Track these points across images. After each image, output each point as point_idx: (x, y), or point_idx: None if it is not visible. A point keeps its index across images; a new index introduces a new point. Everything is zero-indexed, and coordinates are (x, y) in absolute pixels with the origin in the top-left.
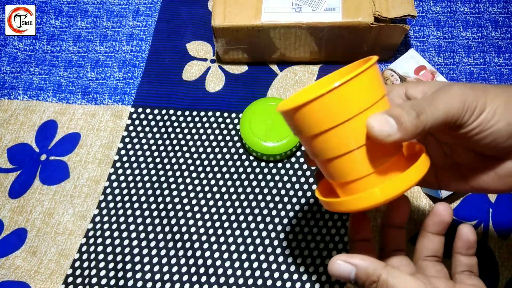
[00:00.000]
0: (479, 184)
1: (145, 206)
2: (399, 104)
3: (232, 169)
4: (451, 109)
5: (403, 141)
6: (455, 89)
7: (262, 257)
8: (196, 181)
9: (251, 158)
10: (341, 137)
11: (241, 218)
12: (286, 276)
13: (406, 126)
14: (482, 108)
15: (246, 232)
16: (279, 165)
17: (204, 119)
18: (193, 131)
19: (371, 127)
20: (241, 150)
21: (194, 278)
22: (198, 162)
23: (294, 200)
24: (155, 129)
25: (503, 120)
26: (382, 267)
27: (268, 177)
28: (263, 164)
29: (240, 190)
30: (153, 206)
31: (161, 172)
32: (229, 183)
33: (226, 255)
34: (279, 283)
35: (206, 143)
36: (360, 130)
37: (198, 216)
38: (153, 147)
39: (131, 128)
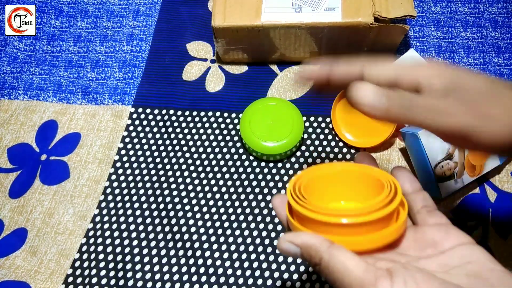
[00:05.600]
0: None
1: (145, 206)
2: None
3: (232, 169)
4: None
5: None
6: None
7: (262, 257)
8: (196, 181)
9: (251, 158)
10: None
11: (241, 218)
12: (286, 276)
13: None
14: None
15: (246, 232)
16: (279, 165)
17: (204, 119)
18: (193, 131)
19: (354, 97)
20: (241, 150)
21: (194, 278)
22: (198, 162)
23: None
24: (155, 129)
25: None
26: (325, 247)
27: (268, 177)
28: (263, 164)
29: (240, 190)
30: (153, 206)
31: (161, 172)
32: (229, 183)
33: (226, 255)
34: (279, 283)
35: (206, 143)
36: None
37: (198, 216)
38: (153, 147)
39: (131, 128)
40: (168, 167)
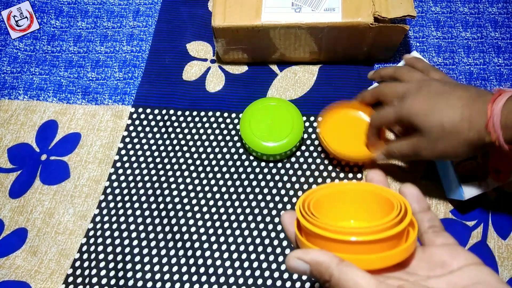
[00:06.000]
0: None
1: (145, 206)
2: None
3: (232, 169)
4: None
5: None
6: None
7: (262, 257)
8: (196, 181)
9: (251, 158)
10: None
11: (241, 218)
12: (286, 276)
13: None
14: None
15: (246, 232)
16: (279, 165)
17: (204, 119)
18: (193, 131)
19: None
20: (241, 150)
21: (194, 278)
22: (198, 162)
23: (294, 200)
24: (155, 129)
25: None
26: (335, 264)
27: (268, 177)
28: (263, 164)
29: (240, 190)
30: (153, 206)
31: (161, 172)
32: (229, 183)
33: (226, 255)
34: (279, 283)
35: (206, 143)
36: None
37: (198, 216)
38: (153, 147)
39: (131, 128)
40: (168, 167)
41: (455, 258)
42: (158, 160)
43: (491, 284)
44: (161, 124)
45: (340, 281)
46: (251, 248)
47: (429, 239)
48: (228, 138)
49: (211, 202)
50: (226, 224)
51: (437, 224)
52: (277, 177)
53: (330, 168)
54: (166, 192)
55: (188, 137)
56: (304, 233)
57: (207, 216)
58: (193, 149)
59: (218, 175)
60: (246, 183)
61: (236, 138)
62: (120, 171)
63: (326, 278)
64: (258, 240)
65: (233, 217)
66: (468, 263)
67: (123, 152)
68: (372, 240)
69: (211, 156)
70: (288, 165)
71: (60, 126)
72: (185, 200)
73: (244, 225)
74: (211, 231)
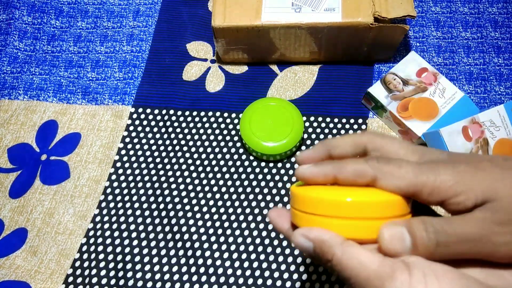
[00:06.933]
0: None
1: (145, 206)
2: (424, 221)
3: (232, 169)
4: (478, 246)
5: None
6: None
7: (262, 257)
8: (196, 181)
9: (251, 158)
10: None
11: (241, 218)
12: (286, 276)
13: (419, 251)
14: None
15: (246, 232)
16: (279, 165)
17: (204, 119)
18: (193, 131)
19: (382, 237)
20: (241, 150)
21: (194, 278)
22: (198, 162)
23: None
24: (155, 129)
25: None
26: (338, 244)
27: (268, 177)
28: (263, 164)
29: (240, 190)
30: (153, 206)
31: (161, 172)
32: (229, 183)
33: (226, 255)
34: (279, 283)
35: (206, 143)
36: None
37: (198, 216)
38: (153, 147)
39: (131, 128)
40: (168, 167)
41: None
42: (158, 160)
43: None
44: (161, 124)
45: (342, 260)
46: (251, 248)
47: None
48: (228, 138)
49: (211, 202)
50: (226, 224)
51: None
52: (277, 177)
53: None
54: (166, 192)
55: (188, 137)
56: (299, 210)
57: (207, 216)
58: (193, 149)
59: (218, 175)
60: (246, 183)
61: (236, 138)
62: (120, 171)
63: (328, 257)
64: (258, 240)
65: (233, 217)
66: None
67: (123, 152)
68: (369, 201)
69: (211, 156)
70: (288, 165)
71: (60, 126)
72: (185, 200)
73: (244, 225)
74: (211, 231)
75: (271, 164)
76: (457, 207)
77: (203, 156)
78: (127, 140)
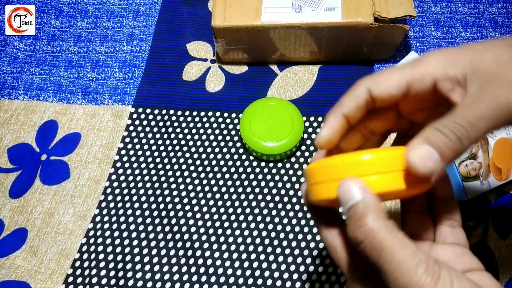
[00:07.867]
0: None
1: (145, 206)
2: (436, 127)
3: (232, 169)
4: (496, 120)
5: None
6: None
7: (262, 257)
8: (196, 181)
9: (251, 158)
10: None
11: (241, 218)
12: (286, 276)
13: (448, 156)
14: None
15: (246, 232)
16: (279, 165)
17: (204, 119)
18: (193, 131)
19: (413, 163)
20: (241, 150)
21: (194, 278)
22: (198, 162)
23: (294, 200)
24: (155, 129)
25: None
26: (384, 221)
27: (268, 177)
28: (263, 164)
29: (240, 190)
30: (153, 206)
31: (161, 172)
32: (229, 183)
33: (226, 255)
34: (279, 283)
35: (206, 143)
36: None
37: (198, 216)
38: (153, 147)
39: (131, 128)
40: (168, 167)
41: (460, 261)
42: (158, 160)
43: None
44: (161, 124)
45: (382, 244)
46: (251, 248)
47: (442, 234)
48: (228, 138)
49: (211, 202)
50: (226, 224)
51: (456, 218)
52: (277, 177)
53: None
54: (166, 192)
55: (188, 137)
56: (322, 182)
57: (207, 216)
58: (193, 149)
59: (218, 175)
60: (246, 183)
61: (236, 138)
62: (120, 171)
63: (362, 230)
64: (258, 240)
65: (233, 217)
66: (472, 268)
67: (123, 152)
68: (388, 153)
69: (211, 156)
70: (288, 165)
71: (60, 126)
72: (185, 200)
73: (244, 225)
74: (211, 231)
75: (271, 164)
76: (452, 86)
77: (203, 156)
78: (127, 140)
